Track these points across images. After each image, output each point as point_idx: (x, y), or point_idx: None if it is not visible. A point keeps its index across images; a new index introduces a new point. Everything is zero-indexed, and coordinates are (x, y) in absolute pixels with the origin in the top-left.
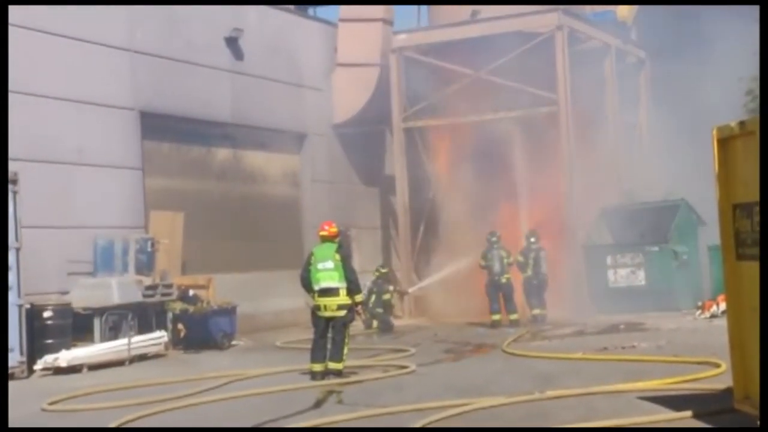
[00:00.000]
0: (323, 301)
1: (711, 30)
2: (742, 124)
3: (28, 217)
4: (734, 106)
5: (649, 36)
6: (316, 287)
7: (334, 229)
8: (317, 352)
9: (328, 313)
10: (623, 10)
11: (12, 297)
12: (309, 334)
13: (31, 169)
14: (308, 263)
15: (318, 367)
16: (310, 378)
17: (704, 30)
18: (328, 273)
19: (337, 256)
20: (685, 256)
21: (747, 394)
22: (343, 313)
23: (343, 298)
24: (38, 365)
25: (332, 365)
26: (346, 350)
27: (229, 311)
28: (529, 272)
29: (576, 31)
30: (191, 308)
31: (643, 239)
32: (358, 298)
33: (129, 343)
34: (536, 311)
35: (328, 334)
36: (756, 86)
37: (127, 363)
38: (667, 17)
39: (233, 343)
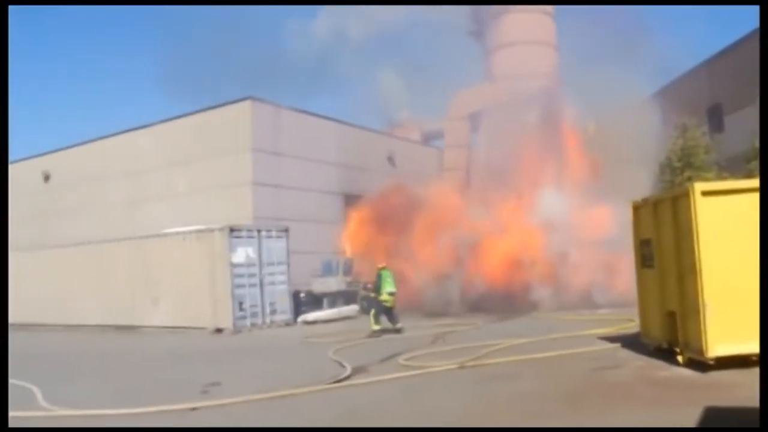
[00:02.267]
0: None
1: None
2: (645, 199)
3: (294, 249)
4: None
5: None
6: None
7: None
8: None
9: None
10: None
11: (285, 286)
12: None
13: (294, 225)
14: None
15: None
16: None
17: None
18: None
19: None
20: None
21: (646, 334)
22: None
23: None
24: (299, 319)
25: None
26: None
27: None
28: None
29: None
30: (371, 294)
31: None
32: None
33: (339, 311)
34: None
35: None
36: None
37: (339, 320)
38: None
39: None
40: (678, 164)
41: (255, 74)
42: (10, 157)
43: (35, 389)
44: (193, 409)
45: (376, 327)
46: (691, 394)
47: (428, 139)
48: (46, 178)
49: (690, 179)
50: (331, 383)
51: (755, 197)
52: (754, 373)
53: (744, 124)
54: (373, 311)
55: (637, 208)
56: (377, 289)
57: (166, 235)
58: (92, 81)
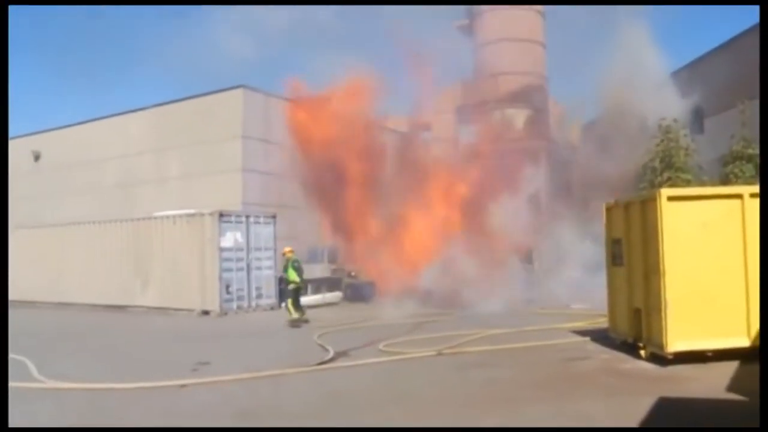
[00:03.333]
0: None
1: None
2: (616, 201)
3: (281, 236)
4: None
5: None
6: None
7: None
8: None
9: None
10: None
11: (272, 271)
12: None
13: (281, 212)
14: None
15: None
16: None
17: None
18: None
19: None
20: None
21: (613, 328)
22: None
23: None
24: (283, 304)
25: None
26: None
27: (371, 283)
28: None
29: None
30: (353, 281)
31: None
32: None
33: (323, 297)
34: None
35: None
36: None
37: (322, 306)
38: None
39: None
40: (659, 165)
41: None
42: None
43: (29, 363)
44: (183, 386)
45: (296, 315)
46: (648, 385)
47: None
48: (37, 157)
49: (670, 180)
50: (315, 365)
51: (718, 203)
52: (708, 368)
53: (723, 127)
54: (290, 300)
55: (609, 209)
56: (296, 276)
57: (157, 217)
58: (85, 62)
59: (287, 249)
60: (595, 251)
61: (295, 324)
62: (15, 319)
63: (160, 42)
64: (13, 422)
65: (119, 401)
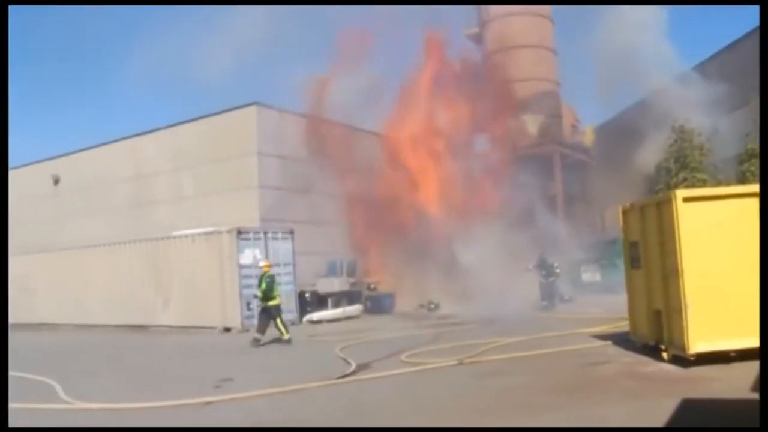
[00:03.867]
0: None
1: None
2: (632, 204)
3: (299, 251)
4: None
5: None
6: None
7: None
8: None
9: None
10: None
11: (292, 286)
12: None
13: (299, 227)
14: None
15: None
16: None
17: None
18: None
19: None
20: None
21: (634, 332)
22: None
23: None
24: (304, 319)
25: None
26: None
27: (390, 295)
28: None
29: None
30: (373, 293)
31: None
32: None
33: (344, 310)
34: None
35: None
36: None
37: (342, 320)
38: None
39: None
40: (673, 166)
41: None
42: (20, 162)
43: (55, 384)
44: (208, 403)
45: (287, 335)
46: (671, 387)
47: None
48: (56, 181)
49: (685, 180)
50: (337, 378)
51: (733, 203)
52: (731, 368)
53: (737, 126)
54: (279, 320)
55: (625, 212)
56: (268, 293)
57: (175, 237)
58: (99, 84)
59: (265, 263)
60: (607, 254)
61: (283, 342)
62: (36, 341)
63: (158, 43)
64: None
65: (145, 419)
